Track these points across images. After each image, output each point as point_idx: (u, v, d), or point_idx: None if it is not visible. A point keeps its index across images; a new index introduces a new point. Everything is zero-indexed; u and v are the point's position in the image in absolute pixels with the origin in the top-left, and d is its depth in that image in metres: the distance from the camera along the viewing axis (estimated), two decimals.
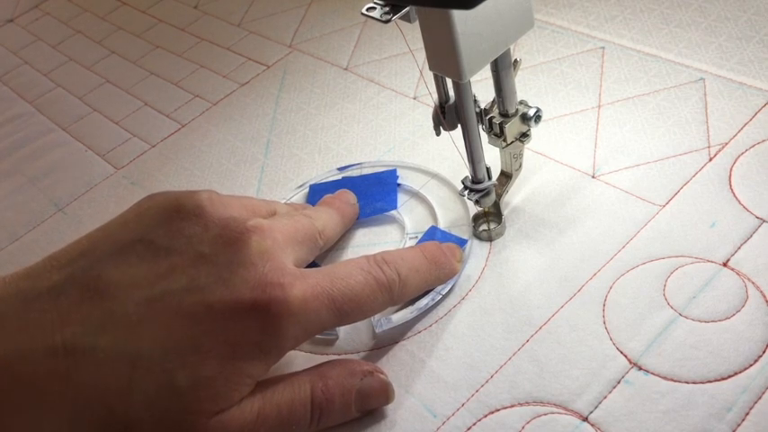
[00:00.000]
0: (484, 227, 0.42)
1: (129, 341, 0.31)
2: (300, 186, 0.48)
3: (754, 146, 0.41)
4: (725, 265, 0.36)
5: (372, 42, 0.59)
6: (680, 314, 0.35)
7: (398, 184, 0.46)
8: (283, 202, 0.47)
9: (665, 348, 0.34)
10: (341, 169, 0.48)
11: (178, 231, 0.33)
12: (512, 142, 0.40)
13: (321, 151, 0.51)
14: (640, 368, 0.34)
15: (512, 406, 0.34)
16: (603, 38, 0.52)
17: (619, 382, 0.33)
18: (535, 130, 0.40)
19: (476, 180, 0.40)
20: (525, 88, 0.50)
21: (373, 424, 0.35)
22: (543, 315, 0.37)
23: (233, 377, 0.31)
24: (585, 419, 0.33)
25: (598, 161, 0.44)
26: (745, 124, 0.43)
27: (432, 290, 0.39)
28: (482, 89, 0.46)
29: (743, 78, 0.45)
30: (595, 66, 0.50)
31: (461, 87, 0.36)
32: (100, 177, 0.55)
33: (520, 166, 0.41)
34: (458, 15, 0.32)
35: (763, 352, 0.33)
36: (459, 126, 0.38)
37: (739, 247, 0.37)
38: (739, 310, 0.34)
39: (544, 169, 0.44)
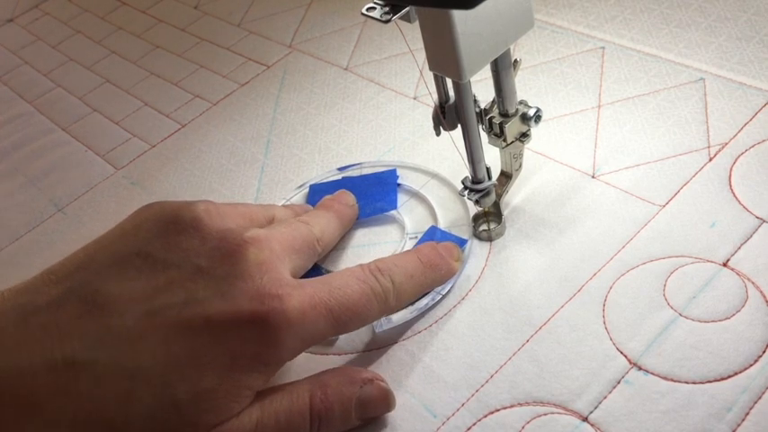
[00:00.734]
0: (484, 227, 0.42)
1: (128, 355, 0.31)
2: (300, 186, 0.48)
3: (754, 146, 0.41)
4: (725, 265, 0.36)
5: (372, 42, 0.59)
6: (680, 314, 0.35)
7: (398, 184, 0.46)
8: (283, 202, 0.47)
9: (665, 348, 0.34)
10: (341, 169, 0.48)
11: (175, 244, 0.33)
12: (512, 142, 0.40)
13: (321, 151, 0.51)
14: (640, 368, 0.34)
15: (512, 406, 0.34)
16: (603, 38, 0.52)
17: (619, 382, 0.33)
18: (535, 130, 0.40)
19: (476, 180, 0.40)
20: (525, 88, 0.50)
21: (373, 424, 0.35)
22: (543, 315, 0.37)
23: (232, 389, 0.31)
24: (585, 419, 0.33)
25: (598, 161, 0.44)
26: (745, 124, 0.43)
27: (432, 290, 0.39)
28: (482, 89, 0.46)
29: (743, 78, 0.45)
30: (595, 66, 0.50)
31: (461, 87, 0.36)
32: (100, 177, 0.55)
33: (520, 166, 0.41)
34: (458, 15, 0.32)
35: (763, 352, 0.33)
36: (459, 126, 0.38)
37: (739, 247, 0.37)
38: (739, 310, 0.34)
39: (544, 169, 0.44)
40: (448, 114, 0.38)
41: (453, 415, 0.34)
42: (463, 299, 0.39)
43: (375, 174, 0.47)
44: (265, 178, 0.50)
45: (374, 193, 0.46)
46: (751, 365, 0.32)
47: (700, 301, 0.35)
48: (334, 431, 0.34)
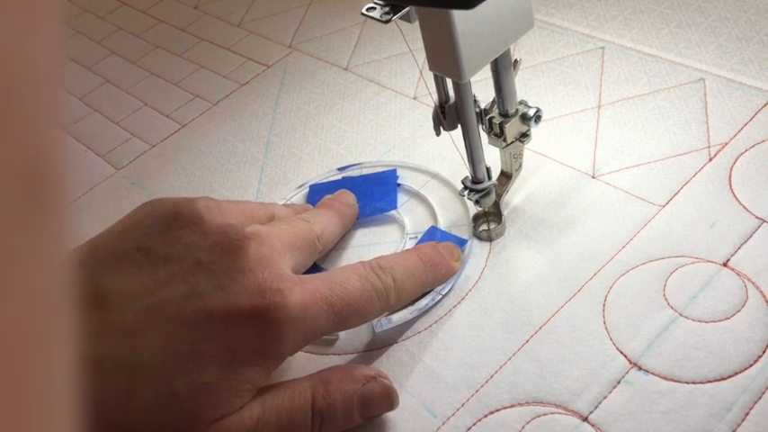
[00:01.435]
0: (484, 227, 0.42)
1: (128, 350, 0.31)
2: (300, 186, 0.48)
3: (754, 146, 0.41)
4: (725, 265, 0.36)
5: (372, 42, 0.59)
6: (680, 314, 0.35)
7: (398, 184, 0.46)
8: (283, 202, 0.47)
9: (665, 348, 0.34)
10: (341, 169, 0.48)
11: (176, 239, 0.33)
12: (512, 142, 0.40)
13: (321, 151, 0.51)
14: (640, 368, 0.34)
15: (512, 406, 0.34)
16: (603, 38, 0.52)
17: (619, 383, 0.33)
18: (535, 130, 0.40)
19: (476, 180, 0.40)
20: (525, 88, 0.50)
21: (373, 423, 0.35)
22: (543, 315, 0.37)
23: (233, 383, 0.31)
24: (585, 420, 0.33)
25: (598, 161, 0.44)
26: (745, 124, 0.43)
27: (432, 290, 0.39)
28: (482, 89, 0.46)
29: (743, 78, 0.45)
30: (595, 66, 0.50)
31: (461, 87, 0.36)
32: (100, 178, 0.55)
33: (520, 166, 0.41)
34: (458, 15, 0.32)
35: (763, 352, 0.33)
36: (459, 126, 0.38)
37: (739, 248, 0.37)
38: (739, 311, 0.34)
39: (544, 169, 0.44)
40: (448, 114, 0.38)
41: (453, 415, 0.34)
42: (463, 299, 0.39)
43: (375, 174, 0.47)
44: (265, 178, 0.50)
45: (374, 193, 0.46)
46: (751, 365, 0.32)
47: (700, 302, 0.35)
48: (337, 429, 0.34)
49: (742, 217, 0.38)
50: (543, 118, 0.40)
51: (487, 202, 0.40)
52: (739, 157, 0.41)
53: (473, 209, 0.42)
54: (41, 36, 0.11)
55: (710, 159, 0.41)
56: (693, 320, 0.35)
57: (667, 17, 0.52)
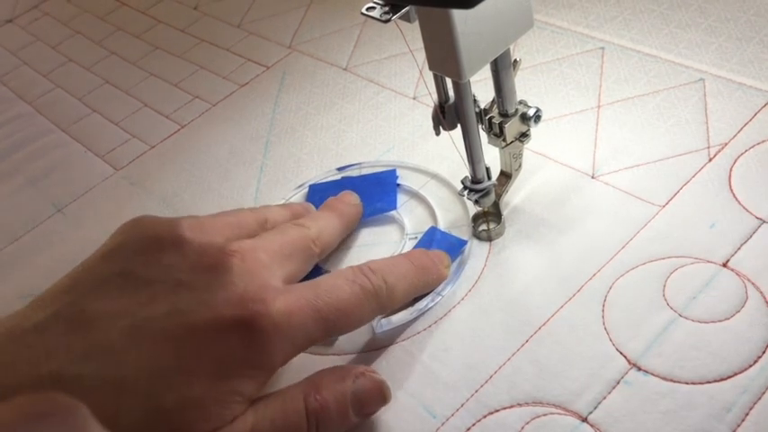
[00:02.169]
0: (483, 227, 0.42)
1: (114, 368, 0.31)
2: (300, 186, 0.48)
3: (753, 146, 0.41)
4: (725, 265, 0.36)
5: (372, 42, 0.59)
6: (680, 315, 0.35)
7: (398, 185, 0.46)
8: (283, 202, 0.47)
9: (665, 349, 0.34)
10: (340, 169, 0.48)
11: (157, 261, 0.34)
12: (511, 142, 0.40)
13: (320, 151, 0.51)
14: (640, 369, 0.34)
15: (511, 406, 0.34)
16: (603, 38, 0.52)
17: (618, 383, 0.33)
18: (535, 130, 0.40)
19: (475, 180, 0.40)
20: (525, 88, 0.50)
21: (372, 424, 0.35)
22: (543, 315, 0.37)
23: (222, 396, 0.31)
24: (585, 420, 0.32)
25: (598, 161, 0.44)
26: (745, 124, 0.43)
27: (430, 291, 0.39)
28: (482, 89, 0.46)
29: (743, 79, 0.45)
30: (595, 66, 0.50)
31: (461, 87, 0.36)
32: (99, 178, 0.55)
33: (519, 166, 0.41)
34: (458, 15, 0.32)
35: (763, 352, 0.33)
36: (458, 126, 0.38)
37: (739, 248, 0.37)
38: (739, 311, 0.34)
39: (544, 169, 0.44)
40: (448, 114, 0.38)
41: (453, 415, 0.34)
42: (462, 299, 0.39)
43: (375, 174, 0.47)
44: (264, 178, 0.50)
45: (374, 194, 0.45)
46: (751, 366, 0.32)
47: (699, 302, 0.35)
48: (334, 431, 0.34)
49: (742, 217, 0.38)
50: (543, 118, 0.40)
51: (487, 202, 0.40)
52: (739, 157, 0.41)
53: (473, 209, 0.42)
54: None
55: (710, 160, 0.41)
56: (693, 321, 0.35)
57: (667, 17, 0.52)
